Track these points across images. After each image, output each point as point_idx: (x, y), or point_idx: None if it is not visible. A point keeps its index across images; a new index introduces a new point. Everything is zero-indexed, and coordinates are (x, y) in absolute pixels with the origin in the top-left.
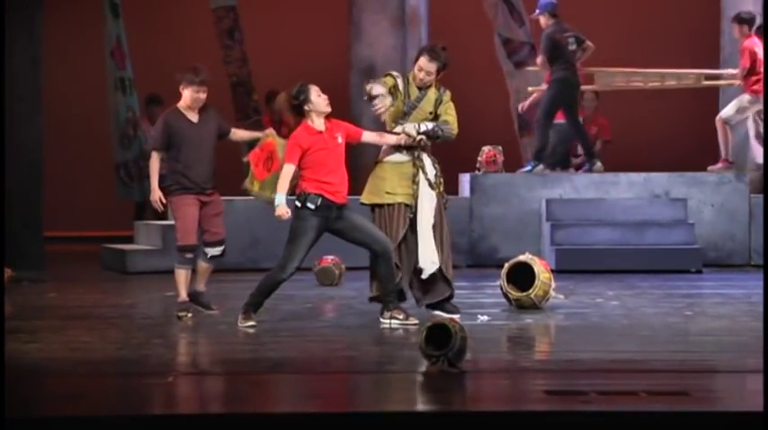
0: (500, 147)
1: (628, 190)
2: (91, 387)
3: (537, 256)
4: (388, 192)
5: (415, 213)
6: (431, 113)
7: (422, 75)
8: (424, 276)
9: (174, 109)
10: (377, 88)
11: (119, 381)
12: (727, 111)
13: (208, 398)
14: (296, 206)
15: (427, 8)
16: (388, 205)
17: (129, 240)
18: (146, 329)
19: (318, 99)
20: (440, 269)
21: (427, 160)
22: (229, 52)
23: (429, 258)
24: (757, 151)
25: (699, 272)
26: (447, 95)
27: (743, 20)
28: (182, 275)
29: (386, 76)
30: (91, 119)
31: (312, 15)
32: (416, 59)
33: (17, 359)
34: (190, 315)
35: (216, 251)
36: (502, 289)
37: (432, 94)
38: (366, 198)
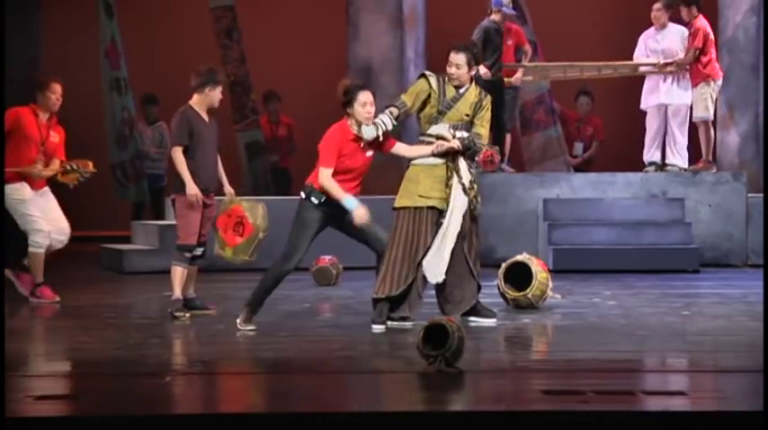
0: (497, 147)
1: (625, 189)
2: (88, 387)
3: (534, 256)
4: (421, 196)
5: (444, 219)
6: (467, 116)
7: (452, 69)
8: (435, 281)
9: (189, 107)
10: (368, 132)
11: (116, 381)
12: (701, 112)
13: (205, 399)
14: (301, 196)
15: (425, 8)
16: (417, 208)
17: (127, 240)
18: (143, 329)
19: (361, 109)
20: (472, 275)
21: (462, 164)
22: (227, 52)
23: (439, 271)
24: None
25: (696, 271)
26: (487, 101)
27: (690, 1)
28: (178, 273)
29: (421, 76)
30: (88, 119)
31: (310, 15)
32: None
33: (15, 359)
34: (187, 315)
35: (199, 251)
36: (499, 289)
37: (471, 95)
38: (399, 203)
